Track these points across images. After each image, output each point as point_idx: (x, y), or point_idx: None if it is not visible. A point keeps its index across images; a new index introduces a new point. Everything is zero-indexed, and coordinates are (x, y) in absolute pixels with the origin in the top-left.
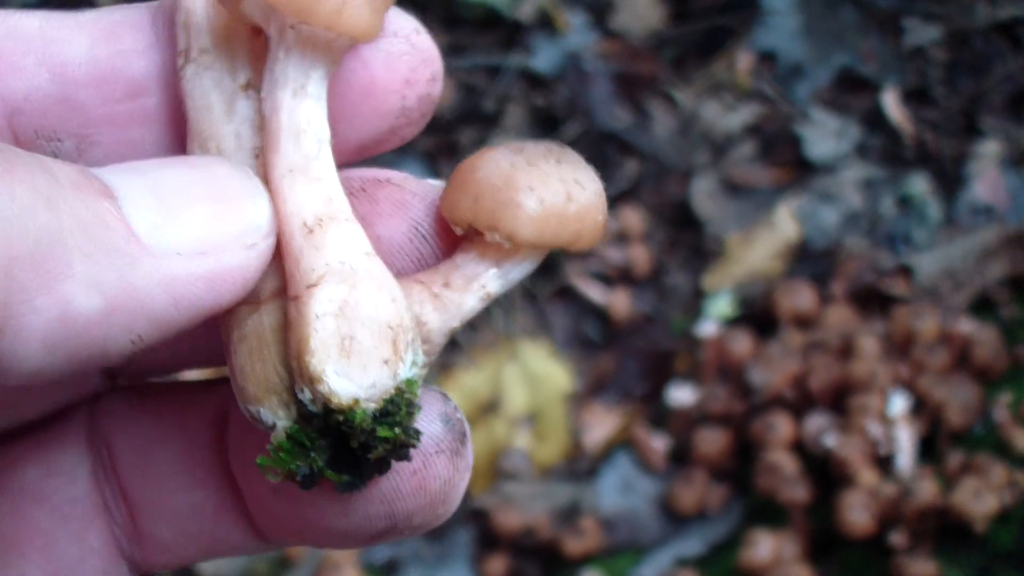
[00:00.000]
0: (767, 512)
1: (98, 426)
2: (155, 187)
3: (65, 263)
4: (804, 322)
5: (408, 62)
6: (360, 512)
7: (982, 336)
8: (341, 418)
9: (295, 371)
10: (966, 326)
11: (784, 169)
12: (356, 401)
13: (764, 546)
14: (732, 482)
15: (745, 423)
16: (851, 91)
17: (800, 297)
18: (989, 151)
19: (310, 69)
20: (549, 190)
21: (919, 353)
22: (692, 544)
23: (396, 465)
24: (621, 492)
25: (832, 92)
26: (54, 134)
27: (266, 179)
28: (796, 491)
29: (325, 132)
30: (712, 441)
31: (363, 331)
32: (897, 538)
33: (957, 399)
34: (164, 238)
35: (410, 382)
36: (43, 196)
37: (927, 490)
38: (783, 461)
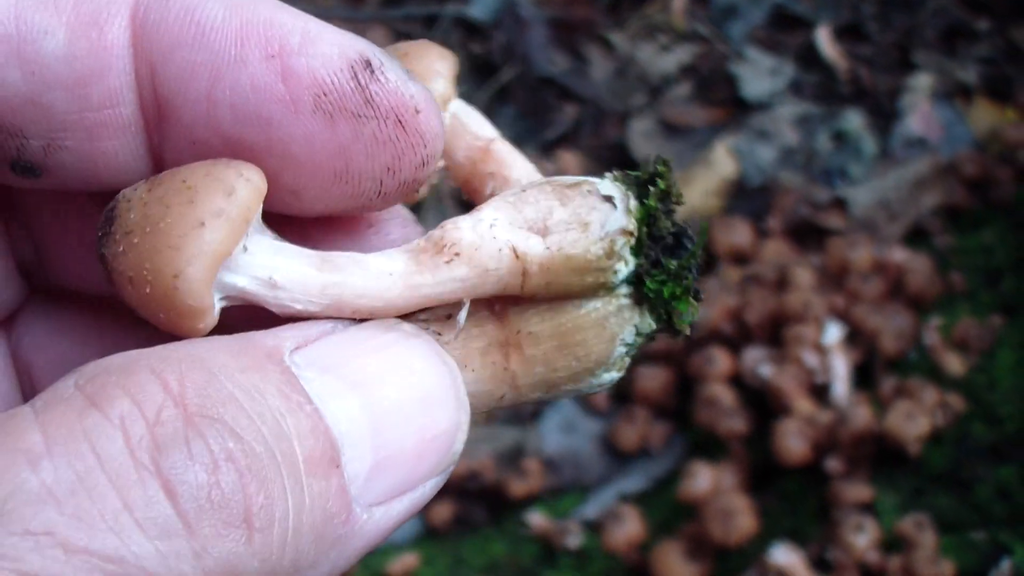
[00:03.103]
0: (708, 446)
1: (19, 342)
2: (375, 431)
3: None
4: (741, 258)
5: (392, 150)
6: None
7: (915, 264)
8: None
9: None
10: (899, 255)
11: (720, 108)
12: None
13: (703, 478)
14: (673, 419)
15: (684, 359)
16: (785, 29)
17: (737, 233)
18: (922, 84)
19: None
20: None
21: (853, 283)
22: (635, 481)
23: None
24: (564, 433)
25: (766, 31)
26: (21, 132)
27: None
28: (734, 423)
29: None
30: (652, 378)
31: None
32: (833, 464)
33: (891, 326)
34: (370, 493)
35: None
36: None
37: (862, 416)
38: (721, 394)
